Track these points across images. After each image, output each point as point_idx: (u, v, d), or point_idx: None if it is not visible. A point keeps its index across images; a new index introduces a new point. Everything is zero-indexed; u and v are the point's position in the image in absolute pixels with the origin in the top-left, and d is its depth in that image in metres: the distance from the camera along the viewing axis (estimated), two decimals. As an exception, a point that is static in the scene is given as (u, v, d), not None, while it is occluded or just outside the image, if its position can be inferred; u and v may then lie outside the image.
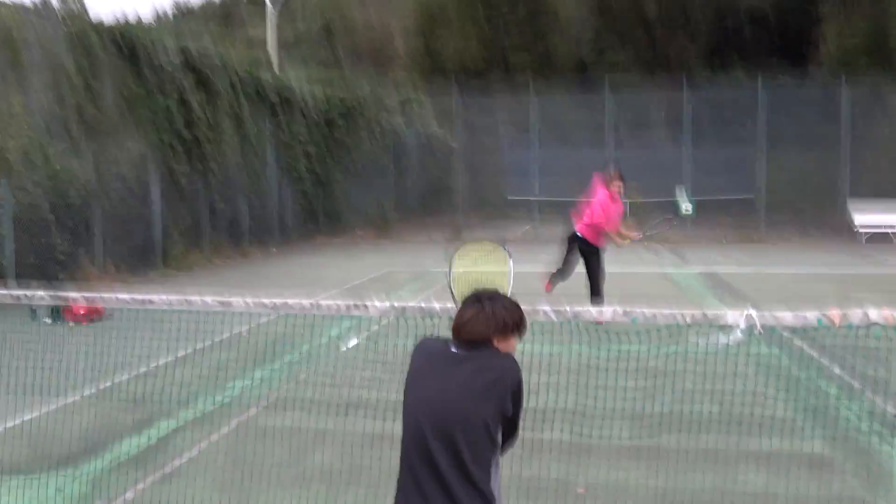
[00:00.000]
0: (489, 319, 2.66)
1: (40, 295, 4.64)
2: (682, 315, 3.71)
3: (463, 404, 2.52)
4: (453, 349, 2.66)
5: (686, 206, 26.19)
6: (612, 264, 18.53)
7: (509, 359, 2.66)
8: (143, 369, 7.86)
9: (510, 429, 2.65)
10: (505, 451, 2.68)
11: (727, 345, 7.62)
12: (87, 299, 4.59)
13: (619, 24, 47.18)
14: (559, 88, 45.49)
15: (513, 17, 44.57)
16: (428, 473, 2.53)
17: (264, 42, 39.38)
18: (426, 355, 2.74)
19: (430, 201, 38.76)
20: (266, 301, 4.24)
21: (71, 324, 10.46)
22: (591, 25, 49.03)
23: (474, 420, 2.50)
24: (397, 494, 2.67)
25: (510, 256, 3.23)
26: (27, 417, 6.36)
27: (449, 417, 2.52)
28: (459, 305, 2.79)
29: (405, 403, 2.75)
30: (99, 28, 15.11)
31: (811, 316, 3.52)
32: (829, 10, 39.60)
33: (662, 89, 42.90)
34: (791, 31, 48.93)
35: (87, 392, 6.86)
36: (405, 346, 6.53)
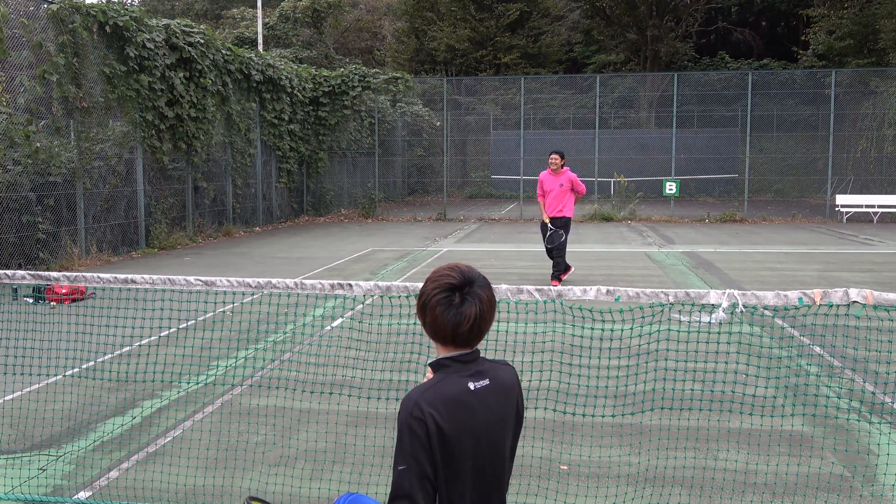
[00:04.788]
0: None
1: (21, 274, 4.61)
2: (665, 294, 3.74)
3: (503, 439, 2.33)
4: (471, 385, 2.26)
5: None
6: (597, 244, 18.62)
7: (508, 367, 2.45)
8: (126, 349, 7.84)
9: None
10: None
11: (709, 324, 7.68)
12: (69, 279, 4.56)
13: (608, 12, 47.11)
14: (547, 69, 45.46)
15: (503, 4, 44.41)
16: None
17: (250, 22, 39.04)
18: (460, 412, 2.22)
19: (414, 181, 38.74)
20: (250, 280, 4.23)
21: (53, 304, 10.41)
22: (581, 11, 48.96)
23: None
24: None
25: None
26: (9, 397, 6.34)
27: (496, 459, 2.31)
28: None
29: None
30: (80, 5, 14.92)
31: (792, 295, 3.55)
32: (817, 1, 39.93)
33: (650, 72, 42.90)
34: (780, 19, 49.07)
35: (70, 372, 6.84)
36: (389, 325, 6.55)
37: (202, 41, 18.90)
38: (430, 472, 2.13)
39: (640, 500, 4.46)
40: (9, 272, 4.59)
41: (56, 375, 6.72)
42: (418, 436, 2.12)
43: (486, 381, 2.27)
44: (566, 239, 12.40)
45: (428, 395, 2.17)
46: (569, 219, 12.31)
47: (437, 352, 2.31)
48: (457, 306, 2.22)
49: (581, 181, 12.47)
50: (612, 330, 5.68)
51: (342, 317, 9.41)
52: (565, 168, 12.29)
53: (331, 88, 26.67)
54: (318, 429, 5.59)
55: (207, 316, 8.86)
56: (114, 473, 4.93)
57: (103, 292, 10.08)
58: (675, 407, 5.57)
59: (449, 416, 2.16)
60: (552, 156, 12.28)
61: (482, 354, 2.34)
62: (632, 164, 34.09)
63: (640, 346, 6.33)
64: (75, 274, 4.58)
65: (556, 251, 12.31)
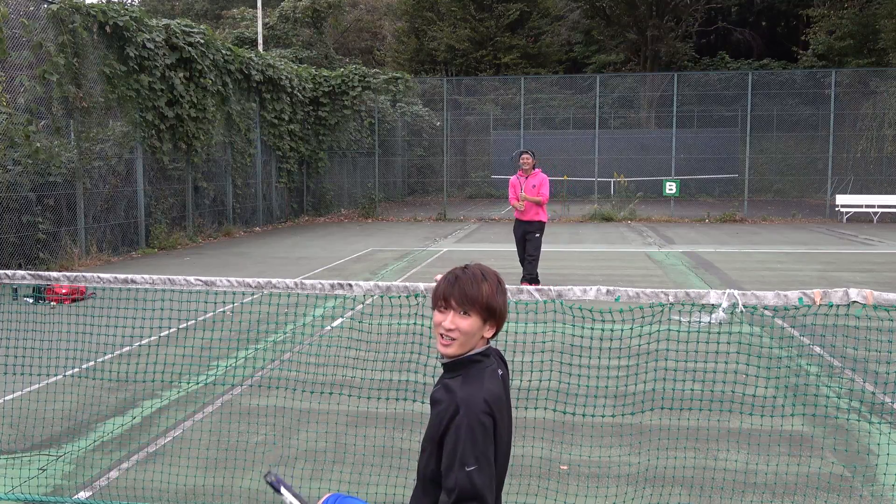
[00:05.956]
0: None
1: (21, 274, 4.61)
2: (665, 294, 3.73)
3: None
4: (500, 371, 2.30)
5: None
6: (597, 244, 18.61)
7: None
8: (126, 349, 7.84)
9: None
10: None
11: (709, 324, 7.69)
12: (69, 279, 4.56)
13: (608, 12, 47.09)
14: (547, 69, 45.43)
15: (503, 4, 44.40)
16: None
17: (250, 22, 39.02)
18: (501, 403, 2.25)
19: (414, 181, 38.74)
20: (250, 280, 4.23)
21: (53, 304, 10.41)
22: (581, 11, 48.94)
23: None
24: None
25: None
26: (9, 397, 6.34)
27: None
28: None
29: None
30: (80, 5, 14.92)
31: (792, 295, 3.55)
32: (817, 1, 39.92)
33: (650, 72, 42.88)
34: (780, 19, 49.06)
35: (70, 372, 6.84)
36: (389, 325, 6.56)
37: (202, 41, 18.90)
38: (494, 470, 2.12)
39: (640, 500, 4.46)
40: (9, 272, 4.59)
41: (56, 375, 6.71)
42: (489, 433, 2.10)
43: (503, 370, 2.32)
44: (540, 242, 11.96)
45: (485, 392, 2.15)
46: (543, 223, 11.87)
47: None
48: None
49: (548, 186, 11.83)
50: (612, 330, 5.68)
51: (342, 317, 9.41)
52: (537, 169, 11.78)
53: (331, 88, 26.67)
54: (318, 429, 5.59)
55: (207, 316, 8.85)
56: (114, 473, 4.93)
57: (103, 292, 10.07)
58: (675, 407, 5.57)
59: (498, 409, 2.17)
60: (523, 156, 11.71)
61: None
62: (632, 164, 34.07)
63: (640, 346, 6.33)
64: (75, 274, 4.58)
65: (530, 254, 11.83)
